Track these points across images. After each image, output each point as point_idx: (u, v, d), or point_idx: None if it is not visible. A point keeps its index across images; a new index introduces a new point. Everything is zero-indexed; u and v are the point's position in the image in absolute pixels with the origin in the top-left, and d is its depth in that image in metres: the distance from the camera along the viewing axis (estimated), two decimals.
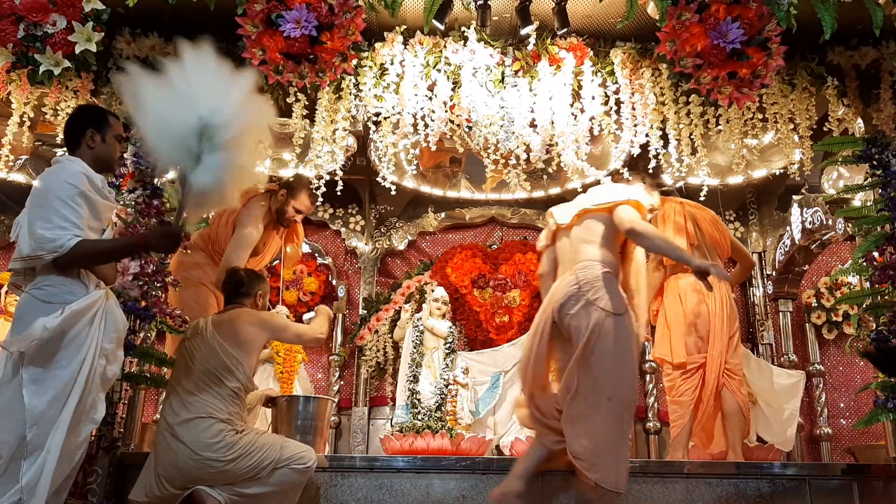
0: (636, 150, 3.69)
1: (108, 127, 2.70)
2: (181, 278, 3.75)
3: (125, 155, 3.43)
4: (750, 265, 4.57)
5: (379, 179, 3.72)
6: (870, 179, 3.62)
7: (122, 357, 2.64)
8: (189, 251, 3.89)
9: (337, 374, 5.31)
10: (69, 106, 3.51)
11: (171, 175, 2.67)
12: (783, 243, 5.33)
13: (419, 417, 4.12)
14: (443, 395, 4.23)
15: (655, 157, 3.60)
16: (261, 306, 3.32)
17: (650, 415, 5.16)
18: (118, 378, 3.11)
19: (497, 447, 4.46)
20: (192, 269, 3.89)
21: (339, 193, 3.55)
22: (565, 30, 3.44)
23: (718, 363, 3.86)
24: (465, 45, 3.58)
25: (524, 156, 3.65)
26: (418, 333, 4.51)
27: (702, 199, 3.71)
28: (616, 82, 3.66)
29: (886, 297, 3.47)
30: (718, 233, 4.21)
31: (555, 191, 4.23)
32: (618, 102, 3.64)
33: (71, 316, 2.34)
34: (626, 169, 3.76)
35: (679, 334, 3.99)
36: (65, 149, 2.71)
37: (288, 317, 4.97)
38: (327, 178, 3.54)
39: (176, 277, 3.61)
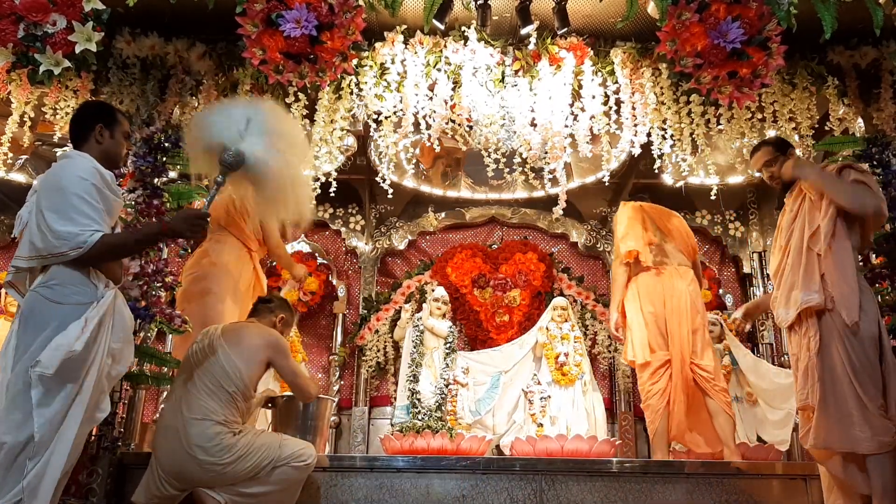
0: (637, 151, 3.69)
1: (117, 123, 2.70)
2: (192, 290, 3.77)
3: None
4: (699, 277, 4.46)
5: (379, 179, 3.72)
6: None
7: (131, 356, 2.64)
8: (188, 250, 3.89)
9: (337, 373, 5.31)
10: (69, 105, 3.51)
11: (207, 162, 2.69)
12: None
13: (419, 417, 4.12)
14: (443, 395, 4.23)
15: (660, 156, 3.60)
16: (278, 331, 3.30)
17: None
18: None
19: (497, 447, 4.46)
20: (198, 282, 3.87)
21: (334, 193, 3.56)
22: (565, 29, 3.44)
23: (681, 359, 3.85)
24: (465, 44, 3.58)
25: (525, 154, 3.65)
26: (418, 333, 4.51)
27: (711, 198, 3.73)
28: (616, 82, 3.66)
29: (887, 297, 3.48)
30: (678, 232, 4.22)
31: (555, 190, 4.22)
32: (618, 102, 3.65)
33: (92, 328, 2.34)
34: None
35: (639, 334, 3.99)
36: (65, 148, 2.71)
37: None
38: (335, 175, 3.54)
39: (178, 280, 3.61)
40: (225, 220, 3.95)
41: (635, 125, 3.65)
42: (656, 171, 3.71)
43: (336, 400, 5.13)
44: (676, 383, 3.84)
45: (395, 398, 5.21)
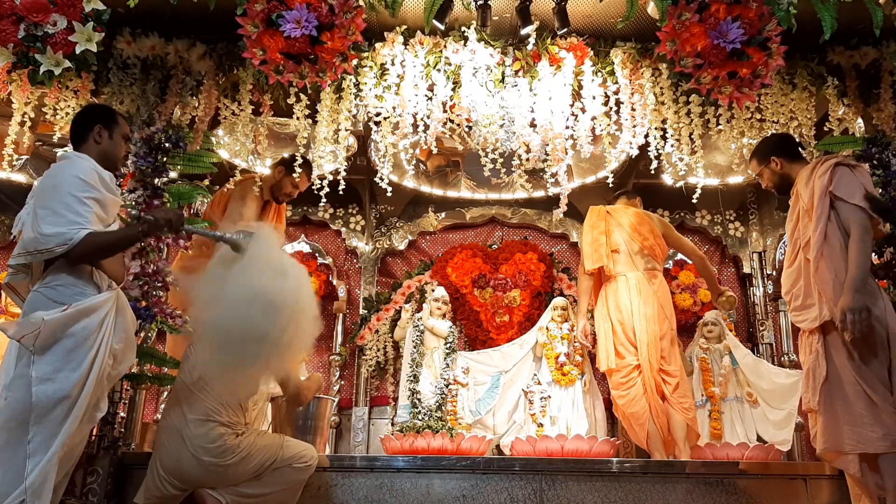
0: (634, 151, 3.70)
1: (116, 125, 2.71)
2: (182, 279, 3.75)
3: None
4: (699, 259, 4.47)
5: (377, 180, 3.72)
6: None
7: (133, 358, 2.64)
8: (190, 251, 3.89)
9: (337, 373, 5.31)
10: (69, 106, 3.51)
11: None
12: (783, 243, 5.33)
13: (420, 417, 4.12)
14: (443, 395, 4.23)
15: (657, 157, 3.60)
16: None
17: None
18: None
19: (497, 447, 4.46)
20: (193, 273, 3.87)
21: (341, 192, 3.56)
22: (565, 30, 3.44)
23: (650, 365, 3.89)
24: (465, 45, 3.58)
25: (525, 155, 3.65)
26: (419, 333, 4.51)
27: (695, 200, 3.72)
28: (616, 82, 3.66)
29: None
30: (650, 234, 4.23)
31: (555, 190, 4.25)
32: (618, 103, 3.65)
33: (76, 314, 2.33)
34: None
35: (605, 341, 4.02)
36: (65, 148, 2.72)
37: None
38: (331, 177, 3.54)
39: (177, 278, 3.61)
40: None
41: (634, 126, 3.65)
42: (652, 171, 3.71)
43: (336, 400, 5.13)
44: (649, 388, 3.87)
45: (392, 398, 5.22)
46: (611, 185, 4.10)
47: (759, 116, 3.61)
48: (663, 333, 3.96)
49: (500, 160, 3.64)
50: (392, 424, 5.01)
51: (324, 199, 3.51)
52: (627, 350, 3.95)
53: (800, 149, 3.37)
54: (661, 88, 3.55)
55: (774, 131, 3.66)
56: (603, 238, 4.20)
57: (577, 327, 4.29)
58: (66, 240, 2.32)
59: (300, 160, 3.84)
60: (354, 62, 3.42)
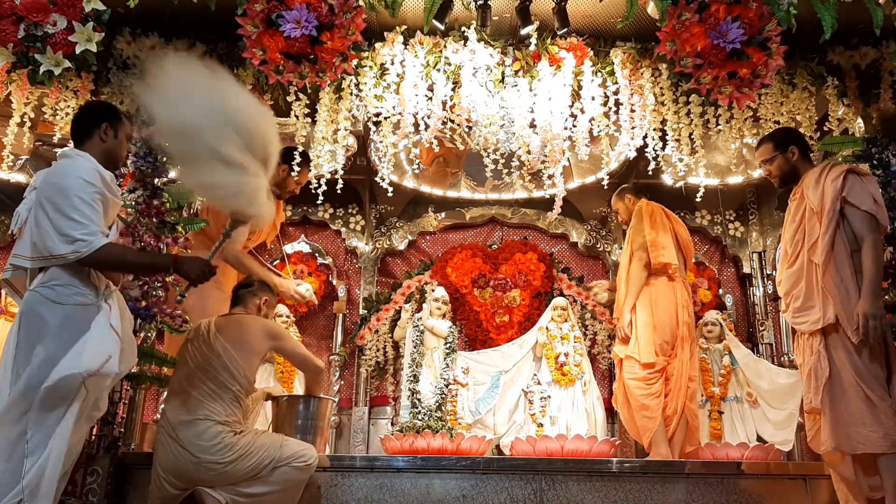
0: (632, 154, 3.70)
1: (122, 124, 2.73)
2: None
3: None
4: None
5: (378, 179, 3.72)
6: None
7: (134, 357, 2.64)
8: (190, 251, 3.89)
9: (337, 373, 5.31)
10: (69, 106, 3.51)
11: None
12: None
13: (419, 417, 4.12)
14: (443, 395, 4.23)
15: (655, 158, 3.60)
16: (263, 314, 3.33)
17: None
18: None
19: (497, 447, 4.46)
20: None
21: (339, 192, 3.56)
22: (565, 30, 3.44)
23: (685, 367, 3.97)
24: (465, 45, 3.58)
25: (525, 156, 3.65)
26: (418, 333, 4.51)
27: (699, 199, 3.73)
28: (616, 82, 3.66)
29: (886, 297, 3.47)
30: (688, 243, 4.40)
31: (554, 191, 4.25)
32: (617, 103, 3.65)
33: (75, 313, 2.36)
34: None
35: (648, 335, 4.05)
36: (65, 147, 2.71)
37: (288, 317, 4.98)
38: (328, 177, 3.54)
39: (178, 281, 3.61)
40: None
41: (633, 128, 3.65)
42: (650, 171, 3.71)
43: (336, 400, 5.13)
44: (679, 387, 3.90)
45: (392, 398, 5.22)
46: (606, 185, 4.08)
47: (758, 116, 3.61)
48: (693, 337, 4.14)
49: (502, 160, 3.64)
50: (392, 424, 5.02)
51: (322, 198, 3.51)
52: (664, 350, 4.01)
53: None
54: (661, 88, 3.55)
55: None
56: (669, 237, 4.24)
57: (624, 319, 4.20)
58: (81, 247, 2.35)
59: (298, 157, 3.83)
60: (354, 62, 3.42)
